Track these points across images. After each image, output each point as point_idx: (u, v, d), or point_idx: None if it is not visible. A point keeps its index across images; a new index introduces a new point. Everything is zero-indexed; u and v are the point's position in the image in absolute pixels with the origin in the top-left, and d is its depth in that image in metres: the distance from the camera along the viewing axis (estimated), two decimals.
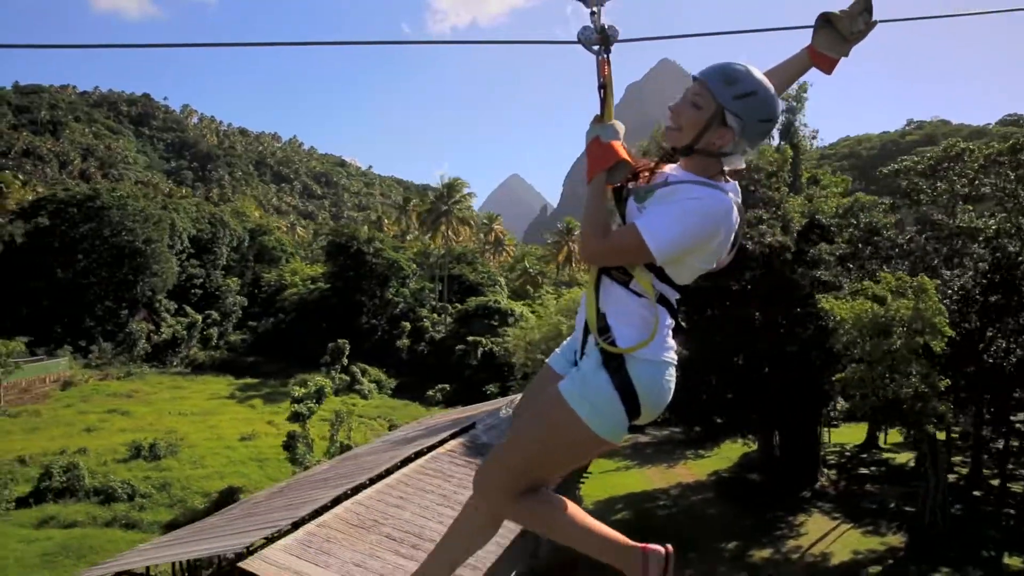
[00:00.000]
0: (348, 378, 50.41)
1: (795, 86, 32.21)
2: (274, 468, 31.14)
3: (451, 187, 59.88)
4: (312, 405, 28.89)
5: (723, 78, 1.93)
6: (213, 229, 68.96)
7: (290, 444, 26.87)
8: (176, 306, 61.99)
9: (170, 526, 25.30)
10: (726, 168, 2.01)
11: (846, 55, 2.19)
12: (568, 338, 2.19)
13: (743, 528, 23.86)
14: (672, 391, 1.96)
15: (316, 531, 13.42)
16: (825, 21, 2.17)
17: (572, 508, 2.01)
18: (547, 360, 2.22)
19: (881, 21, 2.18)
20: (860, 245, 25.54)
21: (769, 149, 28.27)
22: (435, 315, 58.78)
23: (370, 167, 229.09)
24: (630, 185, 2.00)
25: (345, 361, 51.23)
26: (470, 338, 51.60)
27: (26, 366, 44.49)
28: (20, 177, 77.84)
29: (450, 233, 57.81)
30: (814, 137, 32.44)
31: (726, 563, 21.37)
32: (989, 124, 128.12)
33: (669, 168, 2.03)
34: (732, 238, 1.98)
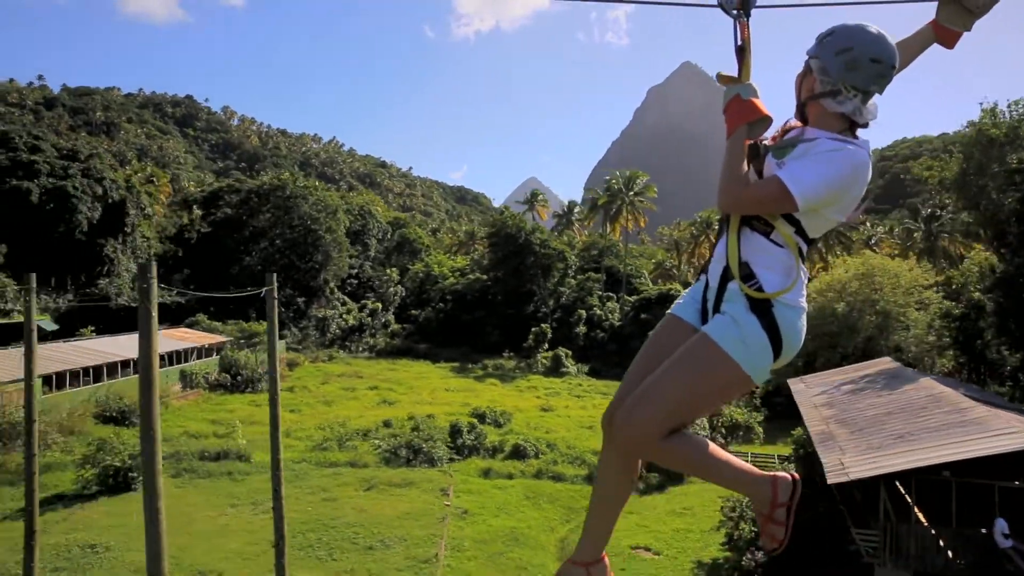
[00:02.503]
0: (548, 362, 52.15)
1: None
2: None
3: (630, 179, 61.77)
4: None
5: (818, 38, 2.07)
6: (363, 221, 70.54)
7: None
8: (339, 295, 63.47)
9: (587, 479, 27.02)
10: (856, 121, 2.06)
11: (969, 29, 2.19)
12: (688, 290, 2.26)
13: None
14: (804, 336, 2.05)
15: None
16: None
17: (712, 445, 2.08)
18: (671, 312, 2.24)
19: None
20: None
21: None
22: (606, 303, 60.60)
23: (410, 168, 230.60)
24: (766, 143, 2.08)
25: (546, 346, 53.00)
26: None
27: None
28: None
29: (629, 224, 59.70)
30: None
31: None
32: None
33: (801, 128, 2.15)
34: (863, 193, 2.04)
